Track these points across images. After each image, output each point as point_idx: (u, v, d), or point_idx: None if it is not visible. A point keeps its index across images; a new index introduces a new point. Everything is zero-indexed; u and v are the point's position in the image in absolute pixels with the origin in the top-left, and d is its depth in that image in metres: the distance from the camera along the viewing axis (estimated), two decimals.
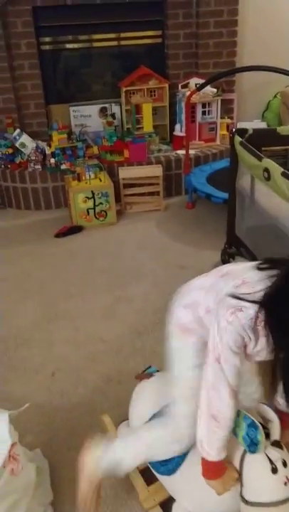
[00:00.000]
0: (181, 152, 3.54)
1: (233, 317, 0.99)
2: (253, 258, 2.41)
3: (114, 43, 3.76)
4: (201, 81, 3.34)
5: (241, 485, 1.09)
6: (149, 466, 1.37)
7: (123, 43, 3.78)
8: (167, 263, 2.79)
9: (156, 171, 3.37)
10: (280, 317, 0.95)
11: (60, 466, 1.58)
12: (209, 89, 3.56)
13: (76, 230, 3.18)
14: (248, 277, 1.04)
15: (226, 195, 2.64)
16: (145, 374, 1.58)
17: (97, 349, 2.12)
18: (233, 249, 2.65)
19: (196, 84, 3.37)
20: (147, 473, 1.44)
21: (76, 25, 3.57)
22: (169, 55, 3.74)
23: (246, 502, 1.08)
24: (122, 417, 1.59)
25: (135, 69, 3.62)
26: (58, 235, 3.13)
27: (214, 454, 1.08)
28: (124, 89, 3.62)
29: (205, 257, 2.81)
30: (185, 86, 3.68)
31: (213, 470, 1.10)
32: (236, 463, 1.11)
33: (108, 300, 2.47)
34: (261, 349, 1.02)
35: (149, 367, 1.74)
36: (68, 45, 3.69)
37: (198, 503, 1.23)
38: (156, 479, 1.40)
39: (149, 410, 1.38)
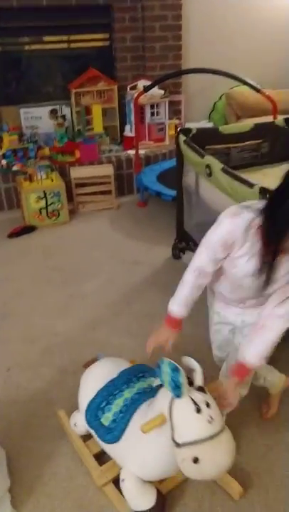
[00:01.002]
0: (132, 152, 3.63)
1: (232, 218, 1.25)
2: None
3: (64, 46, 3.82)
4: (148, 83, 3.45)
5: (172, 430, 1.19)
6: (96, 437, 1.46)
7: (73, 45, 3.84)
8: (121, 259, 2.87)
9: (107, 170, 3.45)
10: (276, 215, 1.14)
11: (17, 455, 1.63)
12: (157, 91, 3.68)
13: (29, 229, 3.21)
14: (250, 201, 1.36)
15: (175, 193, 2.76)
16: (91, 360, 1.66)
17: (51, 343, 2.17)
18: (183, 244, 2.77)
19: (143, 86, 3.47)
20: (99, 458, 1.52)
21: (25, 28, 3.60)
22: (117, 58, 3.83)
23: (177, 445, 1.18)
24: (76, 406, 1.66)
25: (85, 71, 3.69)
26: (11, 235, 3.15)
27: (171, 309, 1.42)
28: (74, 91, 3.68)
29: (157, 252, 2.91)
30: (133, 88, 3.77)
31: (167, 319, 1.44)
32: (166, 411, 1.21)
33: (62, 297, 2.53)
34: (242, 255, 1.26)
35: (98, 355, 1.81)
36: (18, 47, 3.71)
37: (142, 463, 1.33)
38: (107, 461, 1.49)
39: (93, 389, 1.48)
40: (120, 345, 2.13)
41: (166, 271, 2.74)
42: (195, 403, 1.18)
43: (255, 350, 1.32)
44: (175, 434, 1.19)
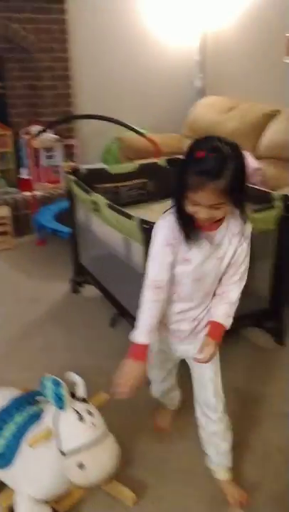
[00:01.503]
0: (28, 194, 3.73)
1: (162, 221, 1.32)
2: (97, 284, 2.67)
3: None
4: (41, 128, 3.61)
5: (58, 441, 1.28)
6: None
7: None
8: (19, 298, 2.91)
9: (3, 211, 3.51)
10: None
11: None
12: (50, 136, 3.85)
13: None
14: None
15: (70, 230, 2.89)
16: None
17: None
18: (81, 278, 2.88)
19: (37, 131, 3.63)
20: None
21: None
22: (11, 105, 3.97)
23: (64, 454, 1.26)
24: None
25: None
26: None
27: (136, 333, 1.35)
28: None
29: (56, 288, 2.99)
30: (27, 133, 3.91)
31: (133, 351, 1.34)
32: (50, 424, 1.29)
33: None
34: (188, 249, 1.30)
35: None
36: None
37: (34, 481, 1.38)
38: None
39: None
40: (21, 379, 2.15)
41: (65, 305, 2.82)
42: (77, 412, 1.28)
43: (222, 311, 1.40)
44: (61, 444, 1.27)
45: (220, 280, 1.41)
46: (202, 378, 1.51)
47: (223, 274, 1.39)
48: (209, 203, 1.17)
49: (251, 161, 3.45)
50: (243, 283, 1.41)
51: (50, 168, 3.97)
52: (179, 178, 1.19)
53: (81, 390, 1.36)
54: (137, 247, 2.02)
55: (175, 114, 4.63)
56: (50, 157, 3.95)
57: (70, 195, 2.68)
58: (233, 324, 2.14)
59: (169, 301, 1.40)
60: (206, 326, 1.44)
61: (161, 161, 2.98)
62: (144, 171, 2.92)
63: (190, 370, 1.56)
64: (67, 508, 1.52)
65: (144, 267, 1.98)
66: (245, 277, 1.41)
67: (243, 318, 2.25)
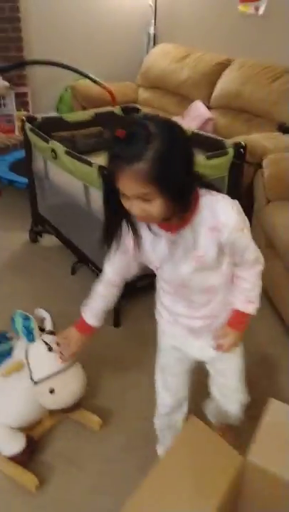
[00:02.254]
0: None
1: None
2: (57, 233, 2.72)
3: None
4: None
5: (30, 371, 1.40)
6: None
7: None
8: None
9: None
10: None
11: None
12: (1, 82, 3.73)
13: None
14: None
15: (27, 180, 2.89)
16: None
17: None
18: (40, 228, 2.92)
19: None
20: None
21: None
22: None
23: (35, 383, 1.39)
24: None
25: None
26: None
27: (84, 314, 1.35)
28: None
29: (14, 238, 3.02)
30: None
31: (80, 323, 1.36)
32: (22, 356, 1.41)
33: None
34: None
35: None
36: None
37: (8, 410, 1.51)
38: None
39: None
40: None
41: (25, 255, 2.87)
42: (47, 344, 1.39)
43: (240, 297, 1.23)
44: (33, 374, 1.38)
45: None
46: (225, 379, 1.38)
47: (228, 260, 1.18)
48: (132, 193, 0.96)
49: (204, 111, 3.52)
50: (259, 266, 1.21)
51: (2, 117, 3.88)
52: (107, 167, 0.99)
53: (49, 324, 1.47)
54: (96, 194, 2.08)
55: (129, 63, 4.57)
56: (1, 105, 3.85)
57: (26, 144, 2.67)
58: None
59: (170, 299, 1.26)
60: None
61: (117, 109, 2.99)
62: (100, 119, 2.92)
63: (209, 379, 1.42)
64: (40, 435, 1.65)
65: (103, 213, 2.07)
66: (261, 260, 1.21)
67: None
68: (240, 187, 2.32)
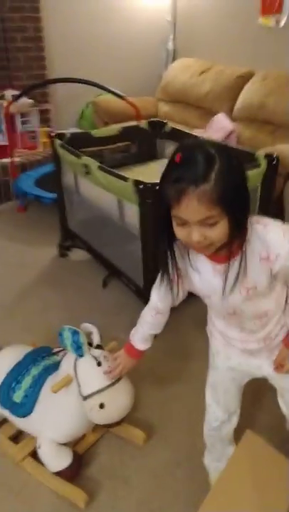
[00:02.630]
0: (6, 160, 3.70)
1: None
2: (87, 247, 2.74)
3: None
4: (16, 92, 3.56)
5: (79, 386, 1.40)
6: (10, 417, 1.59)
7: None
8: (6, 263, 2.95)
9: None
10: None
11: None
12: (26, 101, 3.79)
13: None
14: None
15: (53, 195, 2.92)
16: None
17: None
18: (69, 242, 2.94)
19: (12, 96, 3.57)
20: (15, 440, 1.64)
21: None
22: None
23: (84, 398, 1.39)
24: None
25: None
26: None
27: (133, 339, 1.38)
28: None
29: (42, 253, 3.04)
30: (1, 98, 3.84)
31: (127, 347, 1.40)
32: (71, 371, 1.41)
33: None
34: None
35: None
36: None
37: (55, 425, 1.51)
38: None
39: (1, 374, 1.61)
40: (22, 340, 2.23)
41: (55, 269, 2.89)
42: (95, 358, 1.39)
43: None
44: (81, 389, 1.39)
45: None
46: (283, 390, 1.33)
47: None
48: (197, 218, 0.92)
49: (227, 123, 3.53)
50: None
51: (26, 134, 3.93)
52: (160, 196, 0.97)
53: (96, 338, 1.47)
54: (130, 208, 2.10)
55: (148, 77, 4.63)
56: (25, 122, 3.90)
57: (56, 160, 2.70)
58: None
59: (222, 323, 1.25)
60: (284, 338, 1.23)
61: (143, 123, 3.02)
62: (126, 134, 2.96)
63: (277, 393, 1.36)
64: (84, 450, 1.65)
65: (138, 227, 2.09)
66: None
67: None
68: (272, 198, 2.32)
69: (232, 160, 0.93)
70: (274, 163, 2.19)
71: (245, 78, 3.62)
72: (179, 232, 0.98)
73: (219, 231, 0.95)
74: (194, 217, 0.93)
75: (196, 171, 0.89)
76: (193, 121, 3.94)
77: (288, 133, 3.19)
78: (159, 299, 1.26)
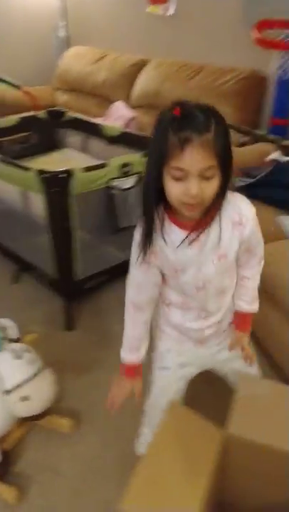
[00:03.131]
0: None
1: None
2: None
3: None
4: None
5: (0, 381, 1.38)
6: None
7: None
8: None
9: None
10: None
11: None
12: None
13: None
14: None
15: None
16: None
17: None
18: None
19: None
20: None
21: None
22: None
23: (7, 392, 1.37)
24: None
25: None
26: None
27: (122, 357, 1.28)
28: None
29: None
30: None
31: (126, 371, 1.29)
32: None
33: None
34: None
35: None
36: None
37: None
38: None
39: None
40: None
41: None
42: (15, 352, 1.37)
43: (246, 298, 1.26)
44: (3, 383, 1.36)
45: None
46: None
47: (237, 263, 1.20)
48: (200, 166, 0.93)
49: (125, 111, 3.58)
50: (262, 262, 1.25)
51: None
52: (152, 154, 0.98)
53: (14, 331, 1.44)
54: (36, 198, 2.06)
55: (40, 66, 4.52)
56: None
57: None
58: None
59: (180, 314, 1.25)
60: (230, 321, 1.30)
61: (41, 113, 2.95)
62: (24, 124, 2.88)
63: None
64: (11, 446, 1.61)
65: (45, 217, 2.06)
66: (262, 256, 1.23)
67: None
68: None
69: (223, 120, 0.97)
70: None
71: (139, 66, 3.68)
72: (174, 188, 0.97)
73: (212, 187, 0.97)
74: (197, 165, 0.93)
75: (199, 121, 0.92)
76: (93, 110, 3.94)
77: None
78: (137, 289, 1.19)
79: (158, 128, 0.97)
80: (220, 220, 1.05)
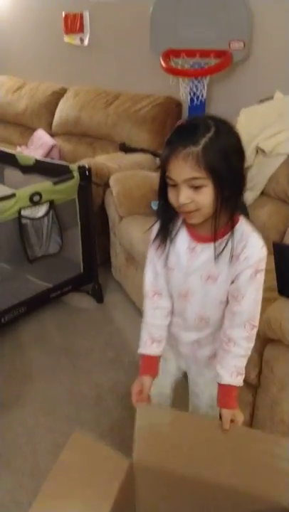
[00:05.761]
0: None
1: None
2: None
3: None
4: None
5: None
6: None
7: None
8: None
9: None
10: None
11: None
12: None
13: None
14: None
15: None
16: None
17: None
18: None
19: None
20: None
21: None
22: None
23: None
24: None
25: None
26: None
27: (141, 352, 1.25)
28: None
29: None
30: None
31: (143, 367, 1.25)
32: None
33: None
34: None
35: None
36: None
37: None
38: None
39: None
40: None
41: None
42: None
43: (230, 369, 1.15)
44: None
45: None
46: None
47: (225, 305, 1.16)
48: (182, 177, 0.98)
49: (47, 138, 3.57)
50: (253, 331, 1.14)
51: None
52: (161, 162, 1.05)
53: None
54: None
55: None
56: None
57: None
58: (53, 293, 2.25)
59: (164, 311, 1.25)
60: (210, 358, 1.26)
61: None
62: None
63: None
64: None
65: None
66: (253, 323, 1.14)
67: (62, 285, 2.43)
68: (91, 207, 2.40)
69: (230, 136, 1.01)
70: (87, 174, 2.27)
71: (59, 94, 3.70)
72: (171, 194, 1.04)
73: (204, 197, 1.00)
74: (181, 175, 0.99)
75: (187, 135, 0.98)
76: (15, 139, 3.90)
77: (105, 143, 3.34)
78: (154, 270, 1.20)
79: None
80: (219, 244, 1.07)
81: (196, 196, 1.00)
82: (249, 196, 2.39)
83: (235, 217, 1.07)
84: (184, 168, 0.97)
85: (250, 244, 1.07)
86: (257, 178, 2.36)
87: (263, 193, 2.37)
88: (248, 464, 1.10)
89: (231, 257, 1.07)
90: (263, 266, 1.09)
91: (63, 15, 3.58)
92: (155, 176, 2.56)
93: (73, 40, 3.66)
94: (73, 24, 3.56)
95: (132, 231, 2.35)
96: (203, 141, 0.96)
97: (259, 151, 2.35)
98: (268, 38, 2.69)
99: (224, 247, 1.07)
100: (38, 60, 4.07)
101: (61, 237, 2.27)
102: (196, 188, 0.99)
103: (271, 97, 2.50)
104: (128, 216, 2.47)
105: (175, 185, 1.01)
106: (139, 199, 2.45)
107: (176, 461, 1.15)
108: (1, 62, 4.35)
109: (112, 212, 2.56)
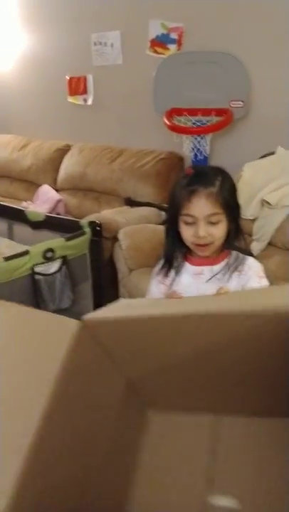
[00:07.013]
0: None
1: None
2: None
3: None
4: None
5: None
6: None
7: None
8: None
9: None
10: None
11: None
12: None
13: None
14: None
15: None
16: None
17: None
18: None
19: None
20: None
21: None
22: None
23: None
24: None
25: None
26: None
27: None
28: None
29: None
30: None
31: None
32: None
33: None
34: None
35: None
36: None
37: None
38: None
39: None
40: None
41: None
42: None
43: None
44: None
45: None
46: None
47: None
48: (205, 213, 1.17)
49: (53, 193, 3.66)
50: None
51: None
52: (170, 205, 1.24)
53: None
54: None
55: None
56: None
57: None
58: None
59: None
60: None
61: None
62: None
63: None
64: None
65: None
66: None
67: None
68: (102, 261, 2.43)
69: (230, 179, 1.24)
70: (98, 229, 2.32)
71: (63, 151, 3.82)
72: (186, 231, 1.21)
73: (220, 230, 1.20)
74: (203, 212, 1.17)
75: (205, 178, 1.19)
76: (21, 194, 3.98)
77: (111, 198, 3.42)
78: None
79: (174, 187, 1.24)
80: (221, 265, 1.25)
81: (214, 230, 1.19)
82: (256, 247, 2.44)
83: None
84: (206, 205, 1.17)
85: (248, 258, 1.28)
86: (263, 229, 2.42)
87: (270, 244, 2.42)
88: None
89: (236, 267, 1.25)
90: (264, 274, 1.27)
91: (67, 78, 3.76)
92: (163, 229, 2.64)
93: (77, 100, 3.82)
94: (77, 86, 3.74)
95: (142, 283, 2.36)
96: (217, 184, 1.18)
97: (264, 203, 2.42)
98: (265, 96, 2.83)
99: (228, 263, 1.26)
100: (42, 119, 4.23)
101: (73, 292, 2.28)
102: (213, 223, 1.18)
103: (273, 152, 2.61)
104: (137, 269, 2.50)
105: (192, 223, 1.19)
106: (149, 252, 2.48)
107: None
108: (7, 122, 4.51)
109: (122, 265, 2.58)
